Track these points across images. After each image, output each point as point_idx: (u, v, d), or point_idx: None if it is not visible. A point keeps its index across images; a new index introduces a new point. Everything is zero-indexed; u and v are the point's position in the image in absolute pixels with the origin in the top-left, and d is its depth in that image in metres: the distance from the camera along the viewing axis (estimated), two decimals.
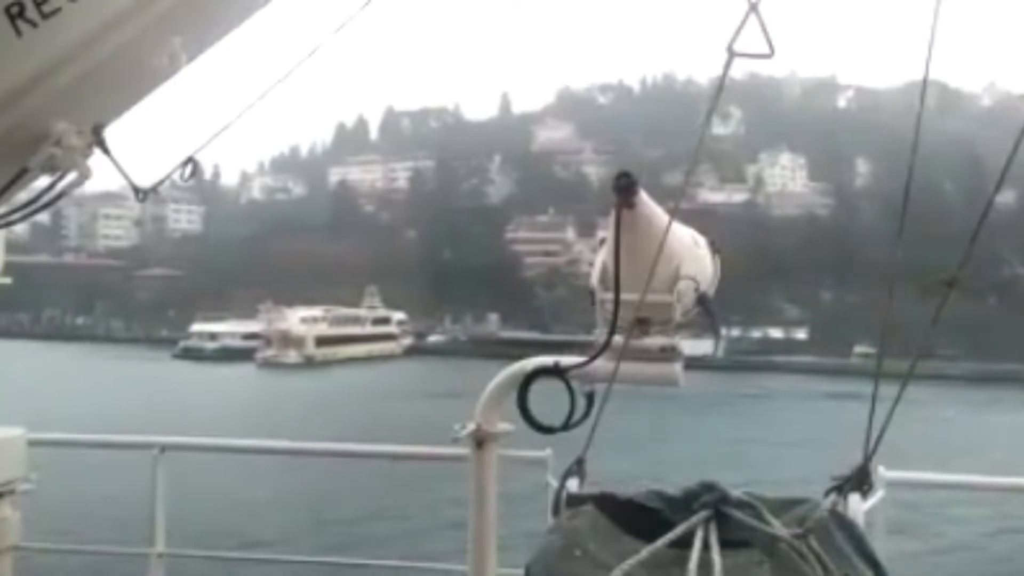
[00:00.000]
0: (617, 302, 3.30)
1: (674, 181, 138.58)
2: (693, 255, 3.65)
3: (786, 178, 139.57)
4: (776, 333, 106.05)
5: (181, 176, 3.20)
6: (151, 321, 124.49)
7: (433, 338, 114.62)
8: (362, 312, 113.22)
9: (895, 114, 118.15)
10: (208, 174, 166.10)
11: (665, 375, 3.76)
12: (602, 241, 3.60)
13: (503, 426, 4.07)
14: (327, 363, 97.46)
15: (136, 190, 3.19)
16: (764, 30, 2.49)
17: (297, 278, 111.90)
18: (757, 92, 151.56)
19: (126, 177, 3.03)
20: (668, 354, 3.73)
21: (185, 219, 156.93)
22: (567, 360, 3.53)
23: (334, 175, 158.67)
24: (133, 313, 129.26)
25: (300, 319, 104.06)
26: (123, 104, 2.95)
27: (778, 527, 2.42)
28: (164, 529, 5.31)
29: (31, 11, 2.56)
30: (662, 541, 2.41)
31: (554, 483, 3.29)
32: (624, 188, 3.20)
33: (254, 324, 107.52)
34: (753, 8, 2.49)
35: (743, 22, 2.50)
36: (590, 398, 3.43)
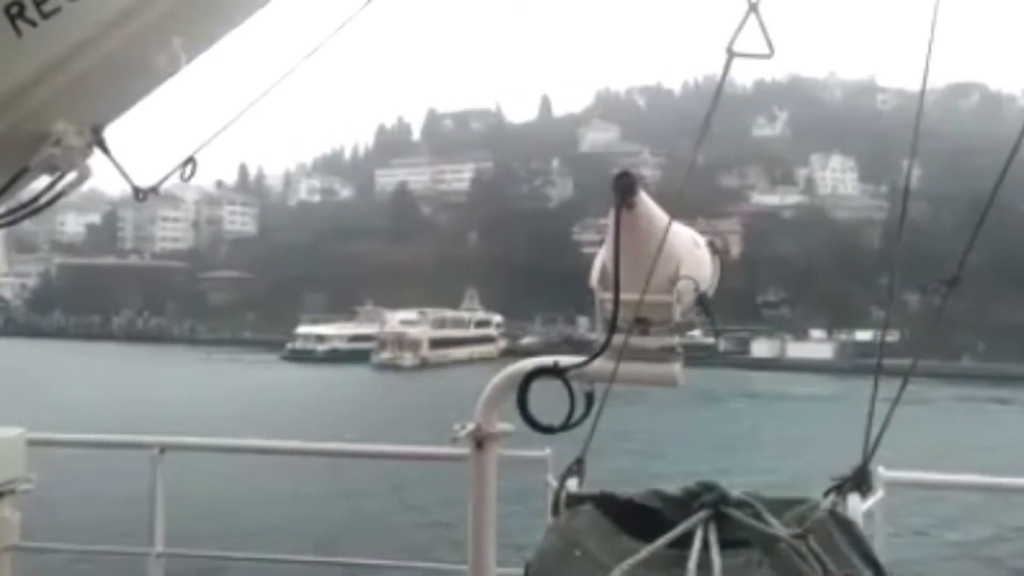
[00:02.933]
0: (617, 302, 3.30)
1: (729, 183, 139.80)
2: (693, 255, 3.65)
3: (837, 180, 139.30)
4: (865, 336, 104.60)
5: (181, 176, 3.19)
6: (230, 323, 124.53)
7: (526, 340, 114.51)
8: (464, 314, 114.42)
9: (937, 117, 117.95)
10: (252, 175, 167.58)
11: (664, 375, 3.76)
12: (602, 241, 3.60)
13: (503, 426, 4.07)
14: (440, 365, 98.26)
15: (136, 190, 3.19)
16: (764, 30, 2.49)
17: (368, 281, 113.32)
18: (801, 94, 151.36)
19: (125, 177, 3.03)
20: (667, 354, 3.73)
21: (240, 221, 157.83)
22: (566, 360, 3.53)
23: (381, 177, 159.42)
24: (206, 315, 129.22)
25: (400, 321, 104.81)
26: (123, 104, 2.95)
27: (778, 527, 2.42)
28: (164, 529, 5.31)
29: (31, 11, 2.56)
30: (662, 541, 2.41)
31: (554, 483, 3.29)
32: (624, 188, 3.20)
33: (359, 326, 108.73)
34: (753, 8, 2.49)
35: (743, 22, 2.50)
36: (590, 398, 3.43)
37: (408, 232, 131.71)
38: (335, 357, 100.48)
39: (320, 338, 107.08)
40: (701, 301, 3.65)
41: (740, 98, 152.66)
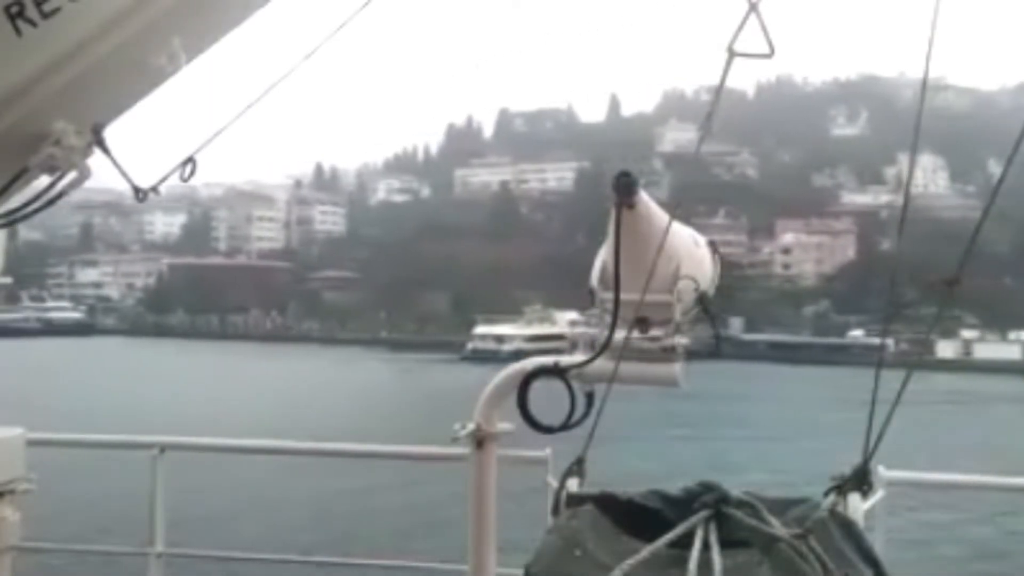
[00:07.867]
0: (617, 302, 3.31)
1: (821, 183, 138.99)
2: (693, 255, 3.65)
3: (929, 179, 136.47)
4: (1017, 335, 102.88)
5: (180, 176, 3.19)
6: (365, 323, 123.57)
7: (683, 340, 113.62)
8: None
9: (1010, 114, 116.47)
10: (327, 175, 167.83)
11: (665, 375, 3.76)
12: (602, 241, 3.61)
13: (503, 426, 4.07)
14: None
15: (136, 190, 3.18)
16: (764, 30, 2.49)
17: (484, 280, 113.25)
18: (873, 92, 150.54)
19: (125, 177, 3.02)
20: (668, 354, 3.73)
21: (330, 221, 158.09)
22: (567, 360, 3.53)
23: (467, 176, 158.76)
24: (327, 314, 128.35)
25: (568, 322, 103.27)
26: (123, 104, 2.95)
27: (778, 527, 2.42)
28: (164, 529, 5.30)
29: (31, 11, 2.56)
30: (662, 541, 2.40)
31: (554, 483, 3.29)
32: (624, 188, 3.20)
33: (527, 326, 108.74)
34: (753, 8, 2.49)
35: (743, 22, 2.50)
36: (590, 398, 3.43)
37: (509, 232, 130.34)
38: (517, 358, 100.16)
39: (499, 338, 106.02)
40: (701, 300, 3.66)
41: (815, 97, 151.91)
